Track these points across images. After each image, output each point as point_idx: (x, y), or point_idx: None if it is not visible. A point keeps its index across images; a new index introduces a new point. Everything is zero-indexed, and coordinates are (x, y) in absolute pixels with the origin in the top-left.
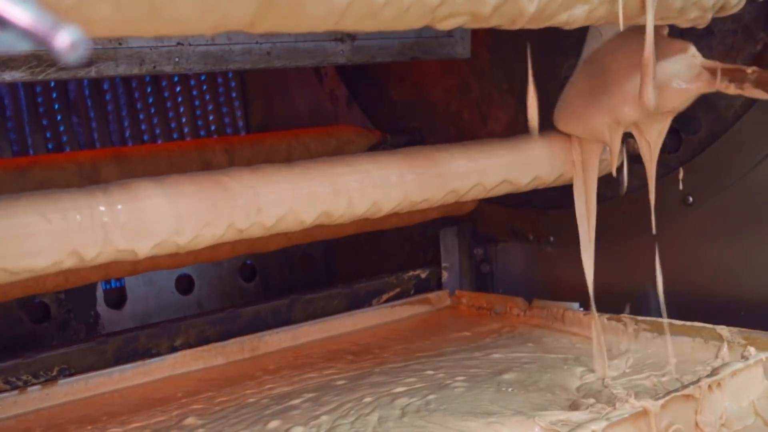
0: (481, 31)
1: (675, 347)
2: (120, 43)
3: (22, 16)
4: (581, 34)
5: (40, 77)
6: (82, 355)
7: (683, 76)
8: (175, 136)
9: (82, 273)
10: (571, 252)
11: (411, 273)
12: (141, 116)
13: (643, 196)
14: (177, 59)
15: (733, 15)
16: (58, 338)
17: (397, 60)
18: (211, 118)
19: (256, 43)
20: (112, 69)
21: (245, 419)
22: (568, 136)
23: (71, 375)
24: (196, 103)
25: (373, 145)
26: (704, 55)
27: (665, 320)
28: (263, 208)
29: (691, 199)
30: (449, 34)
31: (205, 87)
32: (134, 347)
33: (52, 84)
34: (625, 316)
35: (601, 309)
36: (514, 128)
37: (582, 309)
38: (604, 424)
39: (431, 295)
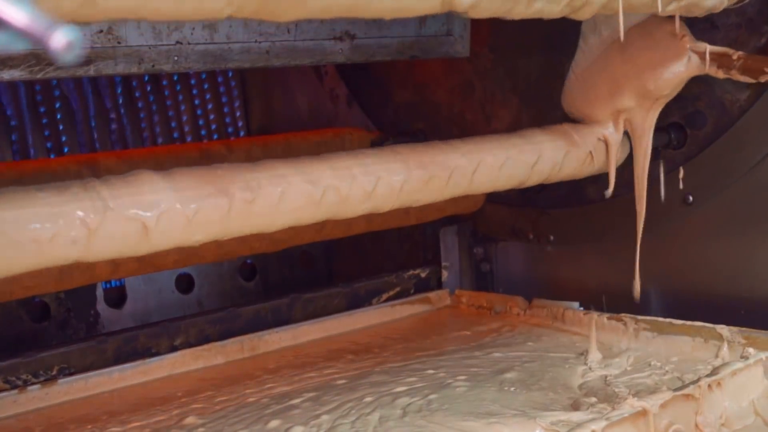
0: (483, 30)
1: (675, 347)
2: (119, 42)
3: (19, 16)
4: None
5: (38, 76)
6: (82, 354)
7: (673, 61)
8: (175, 135)
9: (81, 273)
10: (571, 251)
11: (411, 272)
12: (141, 115)
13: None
14: (176, 58)
15: (737, 9)
16: (58, 337)
17: (396, 59)
18: (211, 117)
19: (255, 41)
20: (111, 67)
21: (245, 419)
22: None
23: (71, 374)
24: (196, 102)
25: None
26: None
27: (666, 320)
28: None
29: (691, 198)
30: (448, 32)
31: (205, 86)
32: (134, 346)
33: (54, 82)
34: (626, 316)
35: (600, 309)
36: (518, 127)
37: (582, 308)
38: (603, 424)
39: (431, 295)
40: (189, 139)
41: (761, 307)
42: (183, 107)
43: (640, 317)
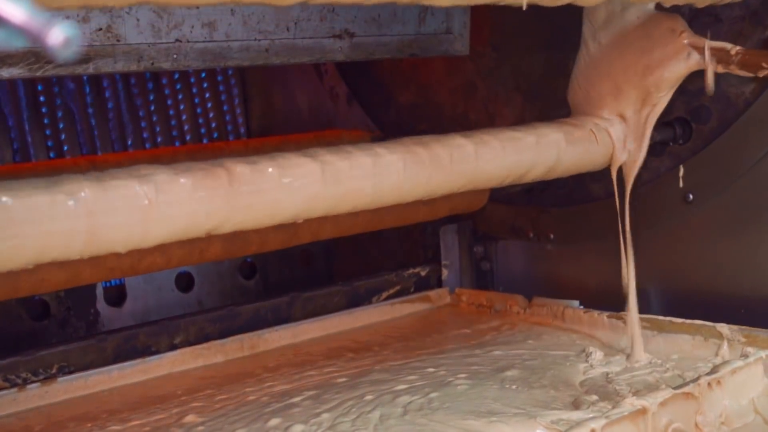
0: (485, 29)
1: (675, 345)
2: (118, 40)
3: (15, 13)
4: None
5: (38, 74)
6: (82, 352)
7: (672, 57)
8: (174, 133)
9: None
10: (572, 250)
11: (411, 271)
12: (141, 113)
13: (643, 194)
14: (175, 56)
15: (740, 2)
16: (58, 336)
17: (395, 57)
18: (211, 115)
19: (255, 39)
20: (110, 65)
21: (245, 417)
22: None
23: (70, 372)
24: (196, 100)
25: None
26: None
27: (666, 318)
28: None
29: (691, 196)
30: (448, 30)
31: (205, 85)
32: (134, 345)
33: (54, 80)
34: (626, 314)
35: (600, 307)
36: None
37: (582, 306)
38: (603, 422)
39: (431, 293)
40: (188, 138)
41: (762, 306)
42: (183, 106)
43: (640, 315)
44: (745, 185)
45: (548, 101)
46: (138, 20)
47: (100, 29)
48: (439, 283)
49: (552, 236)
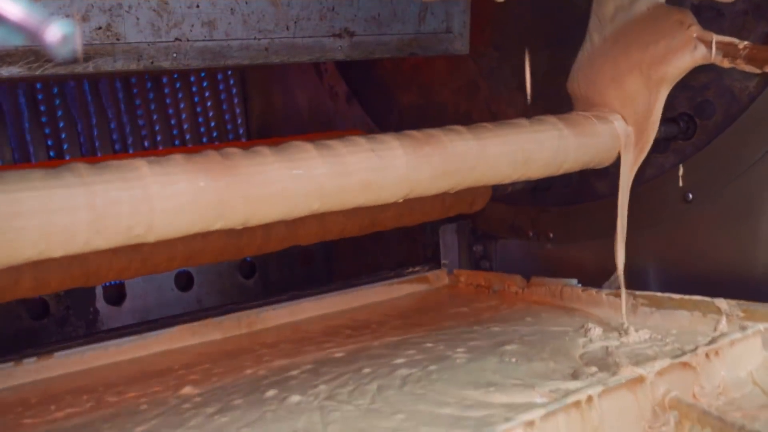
0: (487, 29)
1: (674, 321)
2: (118, 39)
3: (14, 11)
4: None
5: (37, 72)
6: None
7: (679, 49)
8: (174, 132)
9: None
10: (571, 249)
11: (411, 270)
12: (140, 112)
13: (646, 191)
14: (175, 55)
15: None
16: (58, 335)
17: (395, 56)
18: (210, 114)
19: (254, 38)
20: (109, 64)
21: (242, 389)
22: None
23: (68, 348)
24: (196, 99)
25: None
26: None
27: (664, 294)
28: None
29: (691, 195)
30: (448, 29)
31: (204, 83)
32: None
33: (52, 82)
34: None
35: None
36: None
37: (580, 285)
38: (600, 389)
39: (429, 274)
40: (188, 137)
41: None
42: (182, 105)
43: (638, 292)
44: (748, 182)
45: (551, 100)
46: (138, 19)
47: (100, 28)
48: None
49: (551, 235)
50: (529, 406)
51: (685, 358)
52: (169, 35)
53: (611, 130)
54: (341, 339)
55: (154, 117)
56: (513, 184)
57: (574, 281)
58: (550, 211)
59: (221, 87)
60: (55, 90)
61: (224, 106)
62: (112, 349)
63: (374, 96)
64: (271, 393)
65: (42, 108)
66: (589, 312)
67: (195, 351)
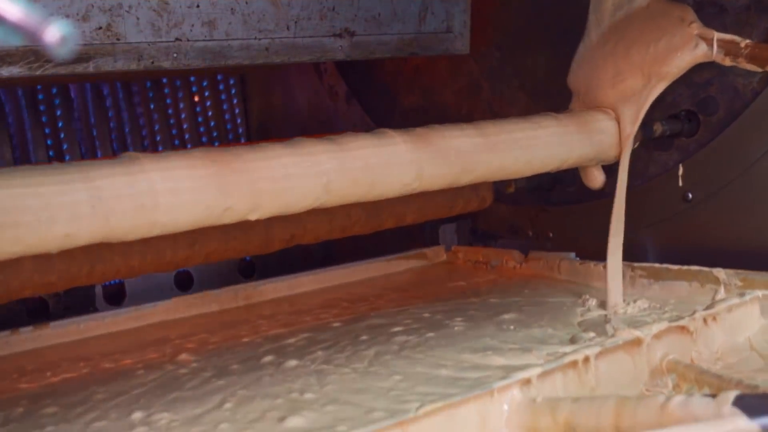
0: (488, 29)
1: (672, 292)
2: (118, 39)
3: (12, 11)
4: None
5: (37, 72)
6: None
7: (680, 47)
8: (174, 132)
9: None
10: (571, 249)
11: None
12: (139, 111)
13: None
14: (175, 54)
15: None
16: None
17: (395, 56)
18: (210, 114)
19: (255, 38)
20: (110, 64)
21: (239, 355)
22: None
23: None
24: (195, 98)
25: None
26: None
27: (662, 265)
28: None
29: (690, 195)
30: (448, 29)
31: (204, 83)
32: None
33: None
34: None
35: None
36: None
37: (578, 259)
38: (597, 349)
39: (427, 250)
40: (188, 137)
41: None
42: (182, 104)
43: (636, 264)
44: (748, 181)
45: (553, 99)
46: (138, 19)
47: (100, 28)
48: None
49: (551, 234)
50: (527, 367)
51: (682, 322)
52: (170, 35)
53: (613, 127)
54: (339, 310)
55: (154, 117)
56: (516, 183)
57: (572, 255)
58: (550, 211)
59: (221, 87)
60: (55, 90)
61: (224, 106)
62: (109, 320)
63: (376, 98)
64: (268, 359)
65: (42, 108)
66: (588, 284)
67: (192, 322)
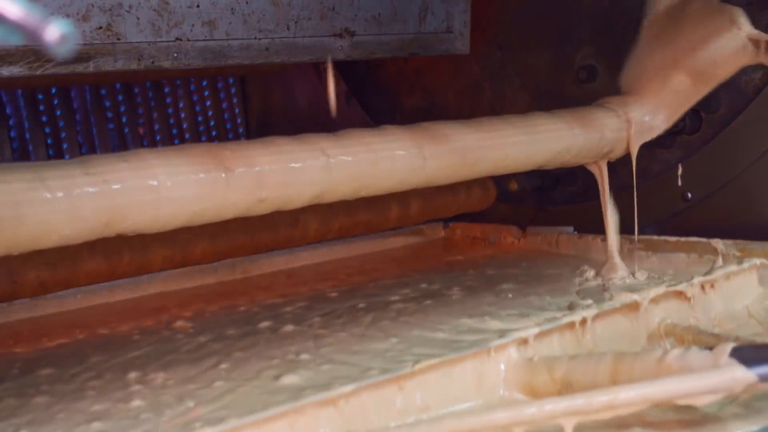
0: (489, 29)
1: (671, 263)
2: (118, 39)
3: (11, 10)
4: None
5: (38, 72)
6: None
7: (728, 49)
8: (174, 131)
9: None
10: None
11: None
12: (139, 110)
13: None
14: (175, 54)
15: None
16: None
17: (396, 56)
18: (210, 113)
19: (255, 38)
20: (110, 64)
21: (236, 322)
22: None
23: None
24: (195, 98)
25: None
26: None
27: (660, 237)
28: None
29: (690, 195)
30: (448, 29)
31: (204, 83)
32: None
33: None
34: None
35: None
36: None
37: (576, 233)
38: (594, 311)
39: (425, 227)
40: (188, 137)
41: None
42: (182, 104)
43: (634, 236)
44: (748, 181)
45: (555, 98)
46: (138, 19)
47: (100, 28)
48: None
49: None
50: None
51: (680, 287)
52: (170, 35)
53: (619, 122)
54: (336, 282)
55: (154, 116)
56: (518, 183)
57: (570, 229)
58: (550, 211)
59: (221, 87)
60: (55, 90)
61: (224, 106)
62: (105, 290)
63: (377, 99)
64: (265, 324)
65: (42, 108)
66: (586, 257)
67: (189, 293)
